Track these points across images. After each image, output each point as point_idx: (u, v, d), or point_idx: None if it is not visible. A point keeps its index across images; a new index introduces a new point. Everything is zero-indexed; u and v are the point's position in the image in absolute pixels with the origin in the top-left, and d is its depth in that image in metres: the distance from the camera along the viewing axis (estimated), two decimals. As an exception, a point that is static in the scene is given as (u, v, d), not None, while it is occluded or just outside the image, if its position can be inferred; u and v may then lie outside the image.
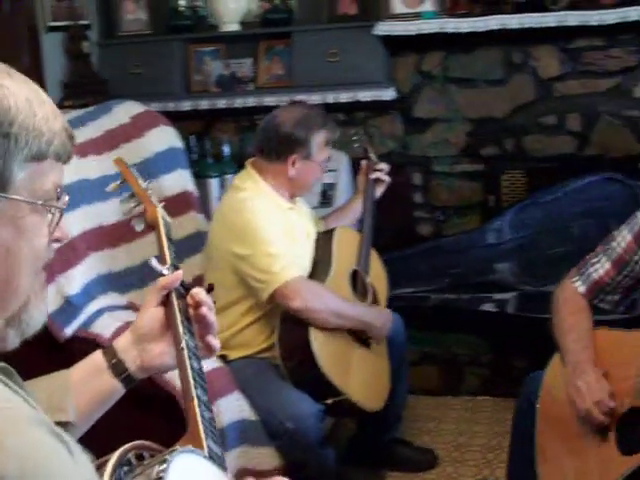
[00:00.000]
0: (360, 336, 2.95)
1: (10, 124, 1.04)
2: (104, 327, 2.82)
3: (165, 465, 1.10)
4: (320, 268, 2.94)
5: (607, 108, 3.93)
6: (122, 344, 1.47)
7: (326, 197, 3.98)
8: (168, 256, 1.55)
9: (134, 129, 3.33)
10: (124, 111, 3.40)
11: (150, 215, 1.67)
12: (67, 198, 1.16)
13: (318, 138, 2.92)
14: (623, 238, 2.33)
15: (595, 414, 2.11)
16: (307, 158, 2.90)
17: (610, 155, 3.92)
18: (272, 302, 2.77)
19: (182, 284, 1.49)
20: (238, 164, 4.05)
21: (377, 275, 3.16)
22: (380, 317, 3.00)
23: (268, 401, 2.76)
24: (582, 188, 3.83)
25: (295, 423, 2.68)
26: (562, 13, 3.69)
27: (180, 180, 3.37)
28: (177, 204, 3.28)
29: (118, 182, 1.76)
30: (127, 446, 1.19)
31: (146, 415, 2.59)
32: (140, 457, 1.20)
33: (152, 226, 1.64)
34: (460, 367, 3.94)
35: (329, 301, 2.80)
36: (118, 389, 1.44)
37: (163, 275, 1.48)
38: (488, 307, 3.79)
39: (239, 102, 4.21)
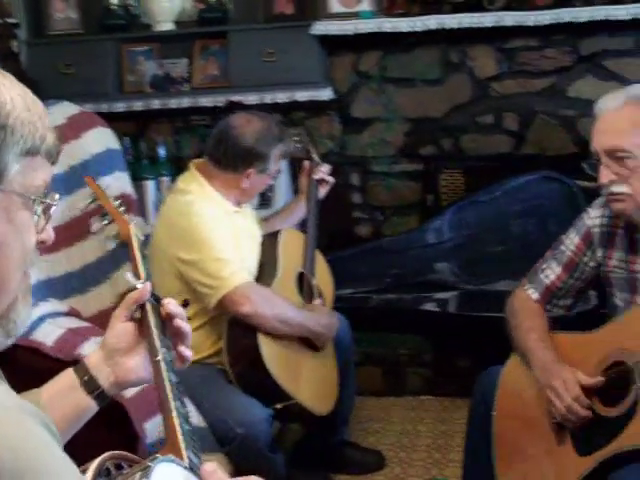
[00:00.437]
0: (308, 339, 2.92)
1: (6, 116, 1.04)
2: (46, 335, 2.73)
3: (147, 472, 1.08)
4: (266, 271, 2.90)
5: (542, 107, 3.97)
6: (93, 360, 1.44)
7: (265, 198, 3.93)
8: (142, 271, 1.52)
9: (70, 130, 3.24)
10: (59, 112, 3.30)
11: (123, 232, 1.64)
12: (57, 196, 1.14)
13: (276, 152, 2.88)
14: (571, 241, 2.35)
15: (576, 409, 2.11)
16: (263, 172, 2.86)
17: (546, 154, 3.96)
18: (220, 308, 2.72)
19: (153, 295, 1.45)
20: (175, 166, 4.01)
21: (323, 277, 3.13)
22: (327, 323, 2.97)
23: (217, 407, 2.71)
24: (520, 187, 3.86)
25: (246, 429, 2.64)
26: (499, 13, 3.72)
27: (118, 182, 3.29)
28: (116, 207, 3.20)
29: (88, 201, 1.74)
30: (105, 455, 1.17)
31: (95, 426, 2.51)
32: (119, 467, 1.17)
33: (125, 242, 1.61)
34: (403, 367, 3.94)
35: (277, 307, 2.76)
36: (91, 406, 1.41)
37: (137, 289, 1.45)
38: (429, 307, 3.79)
39: (174, 103, 4.14)
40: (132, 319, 1.45)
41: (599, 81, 3.91)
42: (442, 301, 3.81)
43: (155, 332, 1.41)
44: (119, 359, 1.43)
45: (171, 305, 1.46)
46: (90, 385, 1.41)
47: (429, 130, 4.07)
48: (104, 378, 1.42)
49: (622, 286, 2.25)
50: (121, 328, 1.45)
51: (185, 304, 1.49)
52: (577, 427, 2.16)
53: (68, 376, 1.42)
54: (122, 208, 1.72)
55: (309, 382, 2.87)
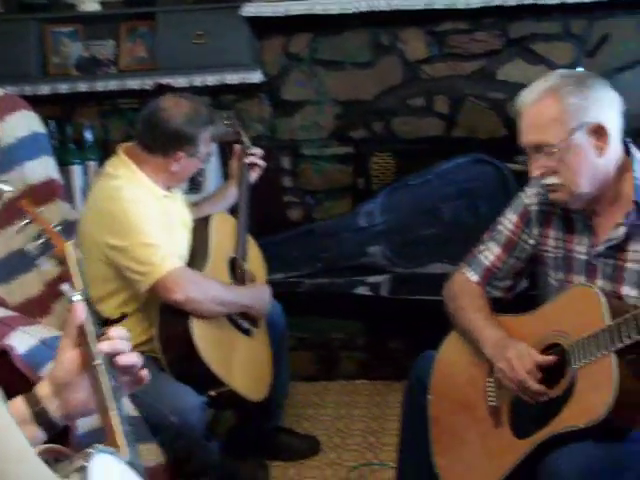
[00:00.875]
0: (241, 325, 2.88)
1: None
2: (-30, 326, 2.64)
3: (88, 458, 1.13)
4: (198, 256, 2.85)
5: (472, 91, 3.98)
6: (44, 393, 1.42)
7: (195, 183, 3.87)
8: (78, 284, 1.49)
9: (-7, 114, 3.13)
10: (-19, 95, 3.18)
11: (60, 251, 1.62)
12: None
13: (205, 135, 2.82)
14: (509, 220, 2.34)
15: (530, 384, 2.09)
16: (192, 155, 2.81)
17: (477, 137, 3.98)
18: (152, 294, 2.66)
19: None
20: (102, 150, 3.92)
21: (255, 261, 3.10)
22: (259, 295, 2.95)
23: (150, 395, 2.62)
24: (451, 170, 3.87)
25: (179, 417, 2.59)
26: (430, -5, 3.71)
27: (45, 167, 3.18)
28: (42, 192, 3.09)
29: (24, 223, 1.71)
30: (41, 448, 1.14)
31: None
32: (57, 460, 1.15)
33: (61, 261, 1.59)
34: (336, 352, 3.92)
35: (210, 290, 2.71)
36: (41, 437, 1.38)
37: (73, 302, 1.44)
38: (362, 290, 3.79)
39: (101, 85, 4.05)
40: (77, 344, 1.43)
41: (528, 64, 3.94)
42: (375, 285, 3.80)
43: (91, 338, 1.41)
44: (69, 394, 1.42)
45: (124, 358, 1.44)
46: (41, 417, 1.40)
47: (360, 113, 4.05)
48: (54, 410, 1.41)
49: (557, 266, 2.25)
50: (67, 360, 1.42)
51: (122, 317, 1.48)
52: (514, 409, 2.16)
53: (19, 407, 1.40)
54: (59, 228, 1.69)
55: (243, 368, 2.83)
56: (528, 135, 2.12)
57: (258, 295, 2.95)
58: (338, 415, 3.59)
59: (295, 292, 3.83)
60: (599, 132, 2.07)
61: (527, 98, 2.13)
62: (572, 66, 3.84)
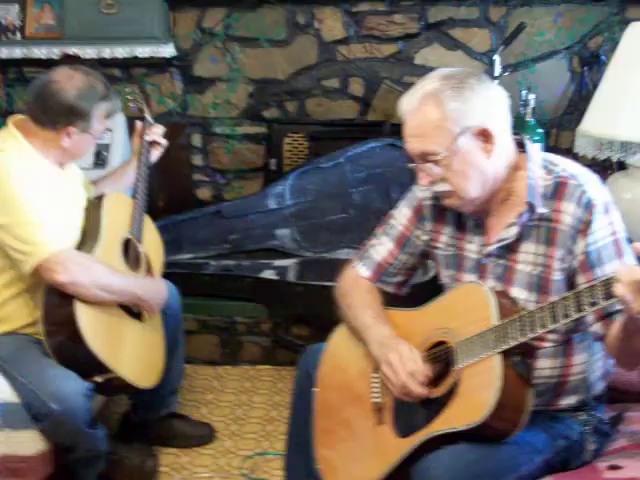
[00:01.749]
0: (132, 309, 2.78)
1: None
2: None
3: None
4: (89, 237, 2.72)
5: (388, 74, 3.92)
6: None
7: (100, 158, 3.76)
8: None
9: None
10: None
11: None
12: None
13: (99, 111, 2.69)
14: (403, 215, 2.27)
15: (412, 387, 2.03)
16: (85, 131, 2.67)
17: (391, 121, 3.91)
18: (36, 275, 2.54)
19: None
20: (5, 121, 3.76)
21: (151, 243, 2.98)
22: (152, 289, 2.84)
23: (31, 381, 2.54)
24: (363, 154, 3.81)
25: (60, 404, 2.48)
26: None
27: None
28: None
29: None
30: None
31: None
32: None
33: None
34: (240, 336, 3.84)
35: (98, 274, 2.60)
36: None
37: None
38: (268, 274, 3.71)
39: (5, 52, 3.91)
40: None
41: (445, 50, 3.89)
42: (282, 269, 3.73)
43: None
44: None
45: None
46: None
47: (274, 92, 3.96)
48: None
49: (448, 263, 2.19)
50: None
51: None
52: (397, 407, 2.11)
53: None
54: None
55: (132, 354, 2.73)
56: (412, 144, 2.03)
57: (152, 288, 2.83)
58: (238, 401, 3.51)
59: (201, 274, 3.74)
60: (484, 135, 1.98)
61: (407, 105, 2.03)
62: (489, 53, 3.80)
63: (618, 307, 1.85)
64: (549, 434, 2.04)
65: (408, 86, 3.80)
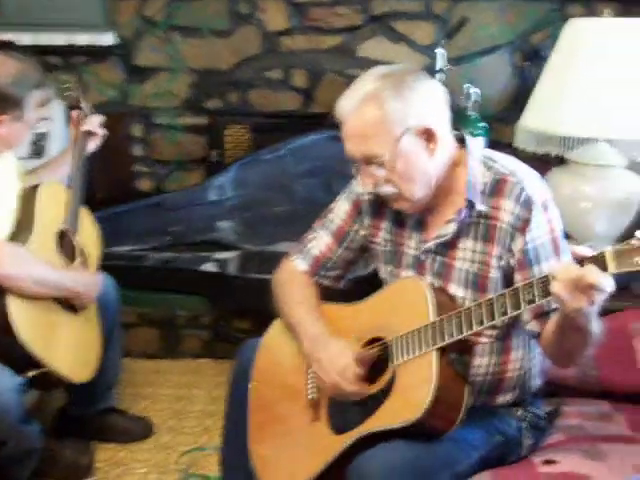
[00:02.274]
0: (67, 302, 2.72)
1: None
2: None
3: None
4: (22, 228, 2.65)
5: (332, 66, 3.89)
6: None
7: (37, 148, 3.68)
8: None
9: None
10: None
11: None
12: None
13: (33, 99, 2.62)
14: (342, 209, 2.25)
15: (344, 385, 2.01)
16: (18, 119, 2.60)
17: (334, 114, 3.88)
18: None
19: None
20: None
21: (87, 234, 2.92)
22: (87, 282, 2.78)
23: (-40, 376, 2.48)
24: (306, 146, 3.78)
25: (-10, 399, 2.42)
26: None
27: None
28: None
29: None
30: None
31: None
32: None
33: None
34: (180, 329, 3.80)
35: (31, 267, 2.54)
36: None
37: None
38: (209, 267, 3.66)
39: None
40: None
41: (389, 42, 3.87)
42: (222, 261, 3.69)
43: None
44: None
45: None
46: None
47: (216, 83, 3.92)
48: None
49: (387, 259, 2.17)
50: None
51: None
52: (331, 404, 2.09)
53: None
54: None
55: (67, 348, 2.67)
56: (353, 147, 1.99)
57: (87, 281, 2.77)
58: (177, 395, 3.47)
59: (140, 266, 3.68)
60: (427, 133, 1.96)
61: (347, 107, 1.98)
62: (433, 46, 3.79)
63: (554, 306, 1.85)
64: (486, 430, 2.04)
65: (351, 79, 3.84)
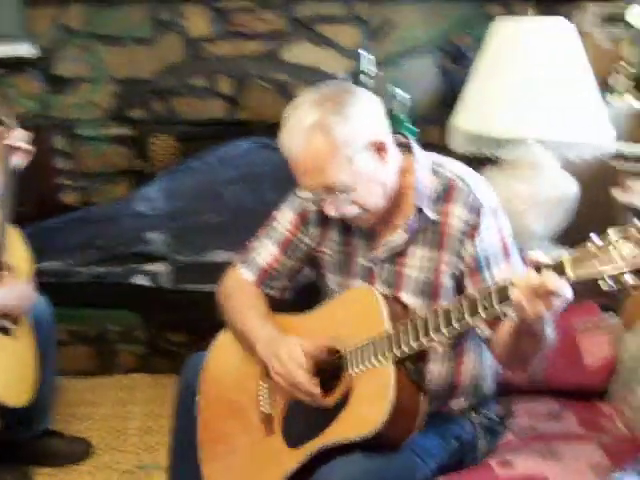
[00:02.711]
0: (-1, 324, 2.63)
1: None
2: None
3: None
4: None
5: (257, 72, 3.85)
6: None
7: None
8: None
9: None
10: None
11: None
12: None
13: None
14: (286, 219, 2.20)
15: (300, 379, 1.96)
16: None
17: (261, 120, 3.86)
18: None
19: None
20: None
21: (17, 252, 2.83)
22: (20, 294, 2.70)
23: None
24: (235, 154, 3.74)
25: None
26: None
27: None
28: None
29: None
30: None
31: None
32: None
33: None
34: (113, 344, 3.71)
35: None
36: None
37: None
38: (140, 280, 3.59)
39: None
40: None
41: (314, 46, 3.85)
42: (154, 274, 3.62)
43: None
44: None
45: None
46: None
47: (139, 92, 3.84)
48: None
49: (335, 269, 2.14)
50: None
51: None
52: (286, 417, 2.06)
53: None
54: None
55: (1, 371, 2.59)
56: (311, 181, 1.95)
57: (19, 295, 2.69)
58: (114, 413, 3.39)
59: (70, 282, 3.59)
60: (377, 145, 1.94)
61: (293, 143, 1.92)
62: (358, 50, 3.78)
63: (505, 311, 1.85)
64: (442, 437, 2.04)
65: (277, 84, 3.84)
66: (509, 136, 2.90)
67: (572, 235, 3.15)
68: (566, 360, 2.40)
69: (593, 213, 3.34)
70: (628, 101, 3.44)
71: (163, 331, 3.73)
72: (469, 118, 3.02)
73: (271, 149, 3.75)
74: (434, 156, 2.08)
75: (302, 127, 1.89)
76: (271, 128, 3.75)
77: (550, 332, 1.80)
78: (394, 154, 1.99)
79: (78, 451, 3.08)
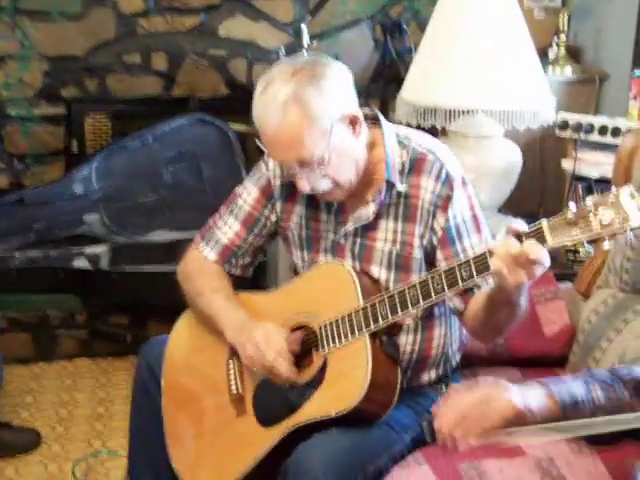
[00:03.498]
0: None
1: None
2: None
3: None
4: None
5: (192, 47, 3.79)
6: None
7: None
8: None
9: None
10: None
11: None
12: None
13: None
14: (250, 194, 2.15)
15: (282, 367, 1.92)
16: None
17: (198, 96, 3.79)
18: None
19: None
20: None
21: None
22: None
23: None
24: (172, 131, 3.66)
25: None
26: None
27: None
28: None
29: None
30: None
31: None
32: None
33: None
34: (54, 330, 3.62)
35: None
36: None
37: None
38: (80, 263, 3.50)
39: None
40: None
41: (250, 20, 3.80)
42: (93, 256, 3.52)
43: None
44: None
45: None
46: None
47: (71, 70, 3.72)
48: None
49: (302, 244, 2.10)
50: None
51: None
52: (257, 396, 2.03)
53: None
54: None
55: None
56: (285, 155, 1.90)
57: None
58: (60, 401, 3.31)
59: (5, 267, 3.47)
60: (350, 119, 1.91)
61: (267, 115, 1.86)
62: (294, 24, 3.75)
63: (484, 281, 1.85)
64: (415, 410, 2.03)
65: (213, 59, 3.78)
66: (454, 107, 2.89)
67: (517, 204, 3.19)
68: (526, 329, 2.40)
69: (538, 182, 3.39)
70: (565, 72, 3.49)
71: (104, 314, 3.66)
72: (414, 89, 3.01)
73: (209, 126, 3.69)
74: (400, 128, 2.06)
75: (277, 100, 1.84)
76: (207, 104, 3.77)
77: (524, 301, 1.80)
78: (364, 128, 1.96)
79: (25, 441, 3.00)
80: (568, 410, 1.59)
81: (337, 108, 1.88)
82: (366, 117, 2.01)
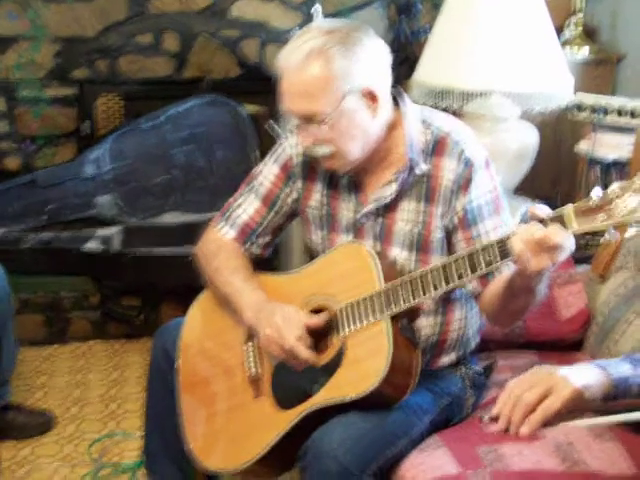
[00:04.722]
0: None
1: None
2: None
3: None
4: None
5: (204, 28, 3.77)
6: None
7: None
8: None
9: None
10: None
11: None
12: None
13: None
14: (270, 171, 2.13)
15: (301, 351, 1.90)
16: None
17: (209, 77, 3.77)
18: None
19: None
20: None
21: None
22: None
23: None
24: (184, 112, 3.65)
25: None
26: None
27: None
28: None
29: None
30: None
31: None
32: None
33: None
34: (66, 312, 3.62)
35: None
36: None
37: None
38: (92, 244, 3.50)
39: None
40: None
41: (261, 2, 3.77)
42: (105, 238, 3.53)
43: None
44: None
45: None
46: None
47: (82, 51, 3.72)
48: None
49: (321, 223, 2.09)
50: None
51: None
52: (275, 378, 2.02)
53: None
54: None
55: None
56: (295, 105, 1.89)
57: None
58: (73, 382, 3.31)
59: (17, 249, 3.47)
60: (370, 94, 1.89)
61: (290, 61, 1.86)
62: (305, 4, 3.72)
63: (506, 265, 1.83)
64: (434, 393, 2.02)
65: (225, 40, 3.75)
66: (470, 89, 2.87)
67: (532, 186, 3.17)
68: (543, 312, 2.40)
69: (553, 164, 3.36)
70: (582, 52, 3.46)
71: (116, 296, 3.65)
72: (429, 70, 2.98)
73: (221, 107, 3.68)
74: (424, 108, 2.04)
75: (303, 48, 1.85)
76: (220, 85, 3.75)
77: (543, 288, 1.79)
78: (385, 108, 1.94)
79: (40, 423, 3.00)
80: (620, 386, 1.56)
81: (359, 77, 1.87)
82: (393, 97, 1.99)
